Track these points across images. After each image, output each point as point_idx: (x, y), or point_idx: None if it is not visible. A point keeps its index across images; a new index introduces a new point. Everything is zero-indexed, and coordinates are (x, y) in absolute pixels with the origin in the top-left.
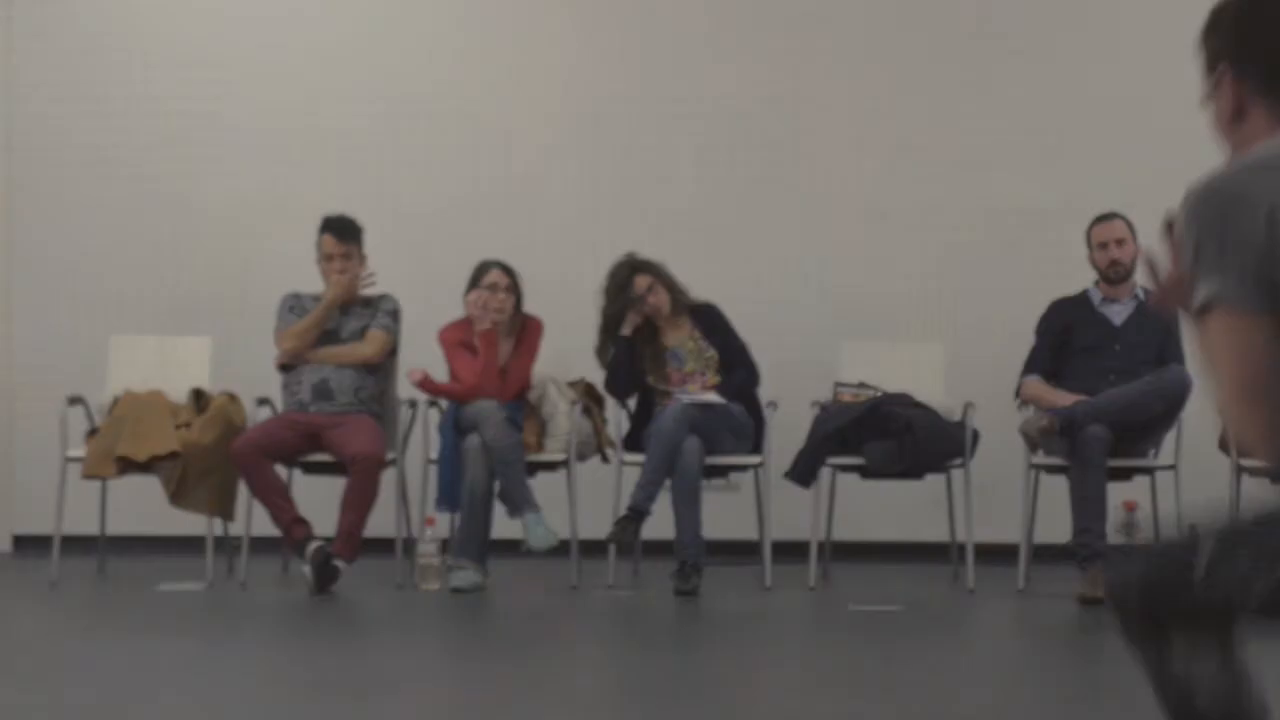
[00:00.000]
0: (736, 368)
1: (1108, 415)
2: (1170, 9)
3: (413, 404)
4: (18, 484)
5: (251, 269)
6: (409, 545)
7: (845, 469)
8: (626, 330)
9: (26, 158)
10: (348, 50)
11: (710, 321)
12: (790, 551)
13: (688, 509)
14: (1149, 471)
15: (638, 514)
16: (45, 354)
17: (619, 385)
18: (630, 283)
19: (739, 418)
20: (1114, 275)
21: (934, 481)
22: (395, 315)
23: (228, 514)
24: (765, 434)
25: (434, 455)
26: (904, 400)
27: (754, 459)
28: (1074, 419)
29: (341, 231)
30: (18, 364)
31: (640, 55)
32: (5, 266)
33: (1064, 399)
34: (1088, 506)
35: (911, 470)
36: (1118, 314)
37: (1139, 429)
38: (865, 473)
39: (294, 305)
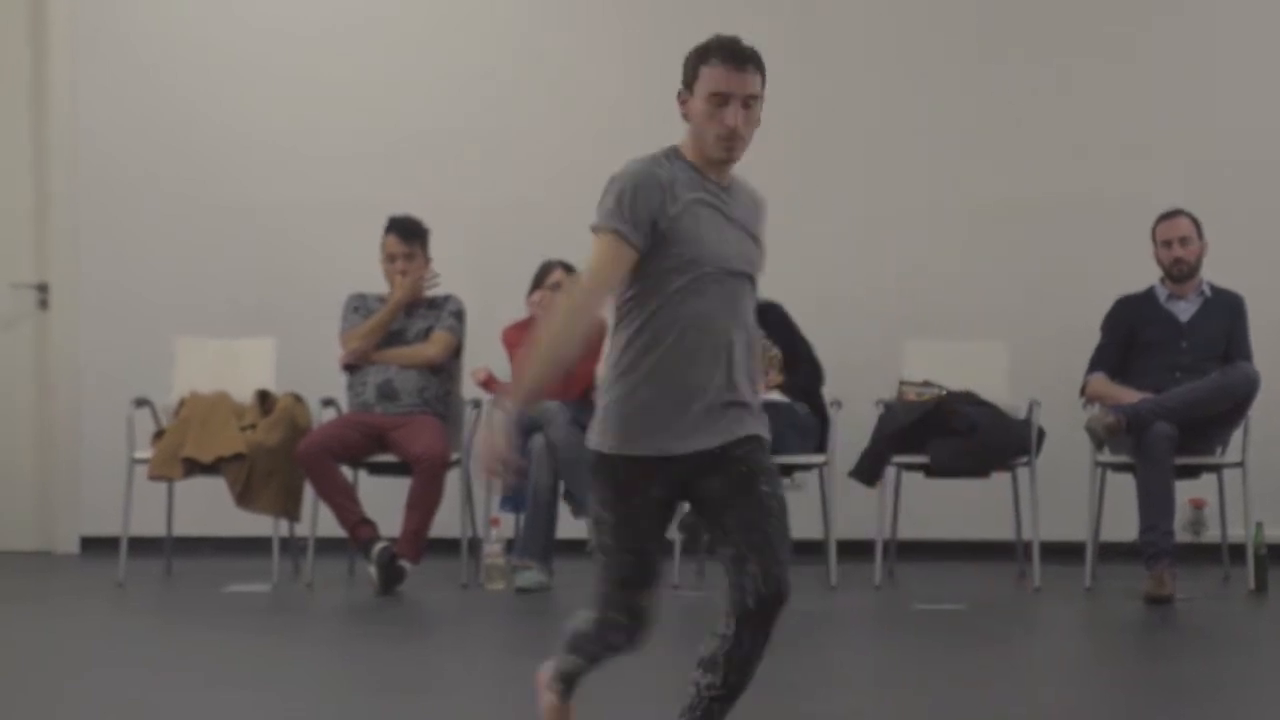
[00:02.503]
0: (801, 366)
1: (1174, 413)
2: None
3: (477, 404)
4: (85, 486)
5: (316, 271)
6: (474, 545)
7: (910, 468)
8: None
9: (92, 165)
10: (413, 56)
11: (774, 320)
12: (855, 550)
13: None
14: (1216, 469)
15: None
16: (111, 357)
17: None
18: None
19: (803, 417)
20: (1178, 273)
21: (999, 480)
22: (460, 316)
23: (293, 515)
24: (830, 433)
25: None
26: (969, 398)
27: (819, 458)
28: (1140, 416)
29: (406, 232)
30: (84, 367)
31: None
32: (72, 271)
33: (1129, 396)
34: (1155, 504)
35: (977, 468)
36: (1184, 310)
37: (1206, 426)
38: (930, 471)
39: (359, 306)
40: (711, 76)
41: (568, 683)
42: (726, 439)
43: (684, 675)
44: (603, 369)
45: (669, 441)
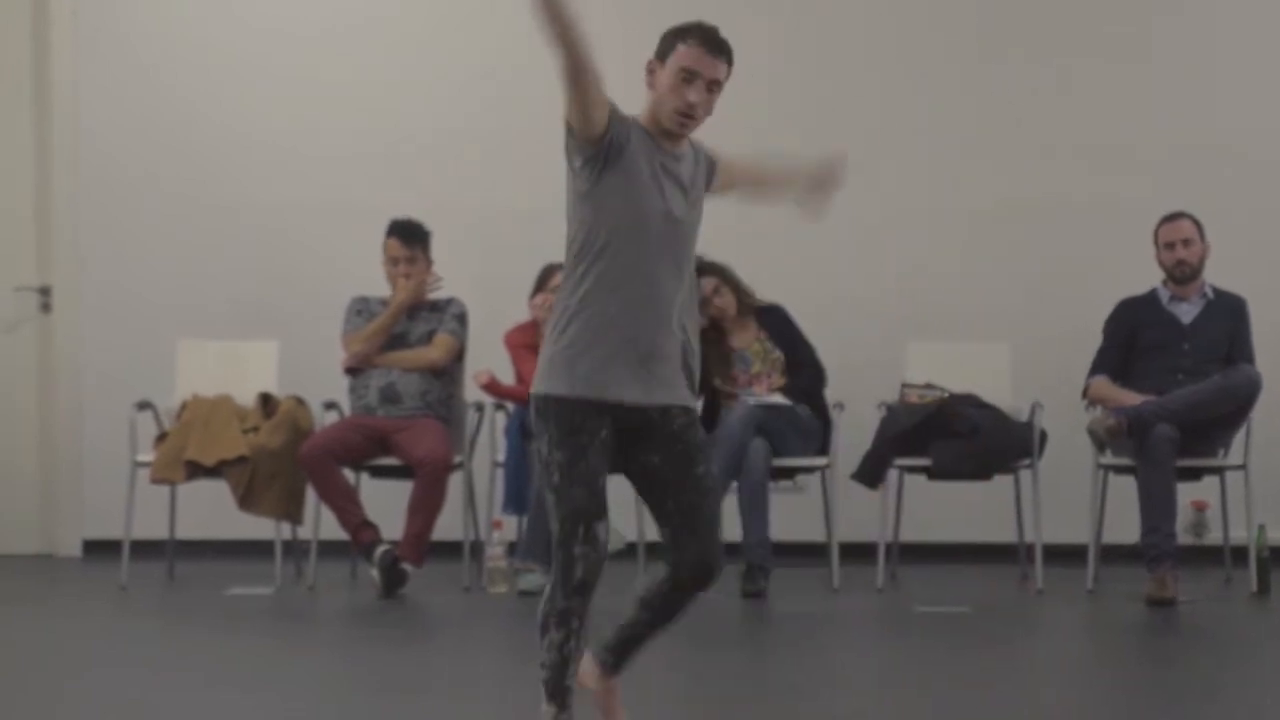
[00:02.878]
0: (803, 369)
1: (1176, 415)
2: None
3: (479, 407)
4: (87, 489)
5: (318, 272)
6: (476, 549)
7: (912, 470)
8: None
9: (94, 167)
10: (414, 56)
11: (776, 323)
12: (858, 553)
13: (755, 511)
14: (1219, 471)
15: None
16: (113, 359)
17: None
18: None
19: (806, 419)
20: (1180, 275)
21: (1001, 482)
22: (462, 319)
23: (296, 518)
24: (832, 435)
25: (501, 458)
26: (971, 401)
27: (821, 460)
28: (1142, 419)
29: (407, 235)
30: (86, 370)
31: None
32: (74, 274)
33: (1131, 399)
34: (1156, 506)
35: (979, 471)
36: (1186, 313)
37: (1208, 428)
38: (932, 474)
39: (361, 309)
40: (686, 54)
41: (557, 696)
42: (665, 401)
43: (695, 674)
44: (551, 316)
45: (612, 388)
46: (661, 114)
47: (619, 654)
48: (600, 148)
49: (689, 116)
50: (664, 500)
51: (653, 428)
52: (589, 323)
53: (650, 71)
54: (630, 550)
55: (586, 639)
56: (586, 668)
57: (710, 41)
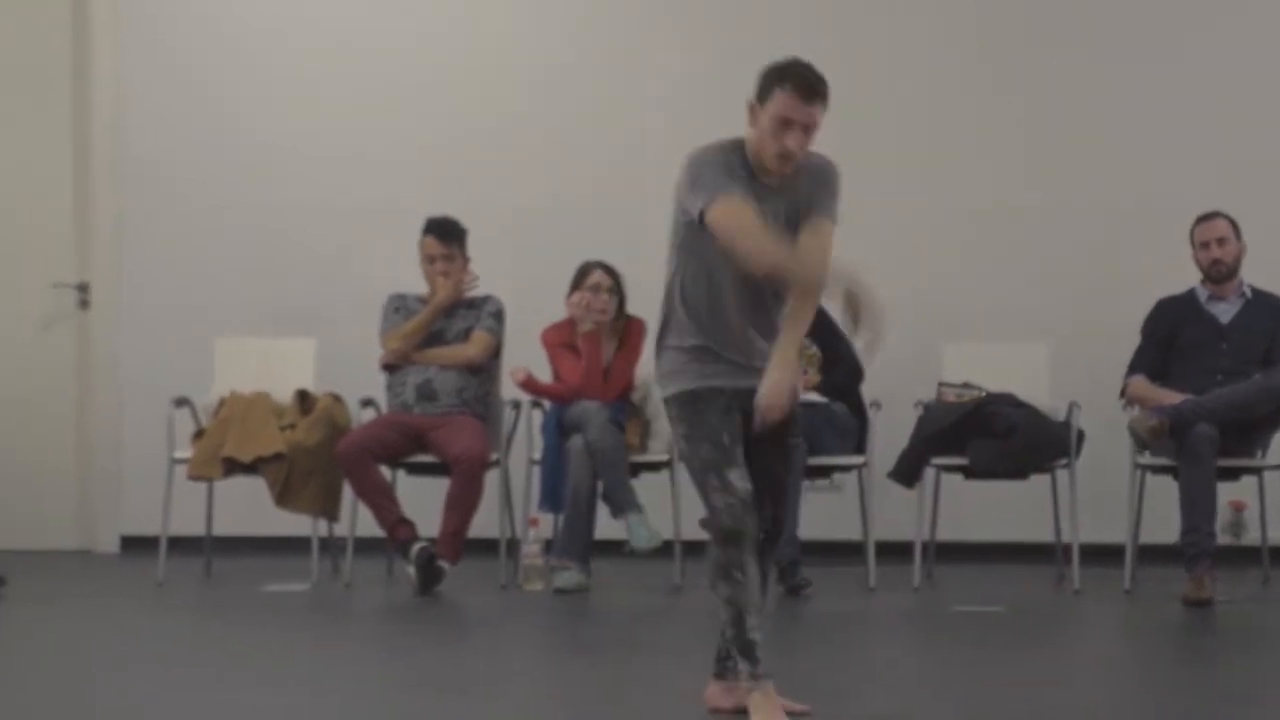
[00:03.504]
0: (839, 365)
1: (1215, 414)
2: None
3: (516, 405)
4: (125, 485)
5: (356, 271)
6: (512, 546)
7: (949, 469)
8: None
9: (133, 166)
10: (453, 59)
11: (817, 321)
12: (894, 552)
13: (788, 509)
14: (1257, 471)
15: None
16: (152, 356)
17: None
18: None
19: (842, 417)
20: (1215, 274)
21: (1038, 481)
22: (499, 316)
23: (333, 515)
24: (869, 434)
25: (537, 456)
26: (1008, 400)
27: (857, 459)
28: (1182, 418)
29: (444, 233)
30: (125, 366)
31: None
32: (113, 271)
33: (1170, 398)
34: (1197, 506)
35: (1016, 470)
36: (1224, 312)
37: (1247, 428)
38: (969, 473)
39: (399, 306)
40: (783, 101)
41: (746, 653)
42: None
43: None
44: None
45: (710, 380)
46: (763, 155)
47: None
48: None
49: (789, 162)
50: (753, 456)
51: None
52: (674, 331)
53: (750, 110)
54: (667, 548)
55: (759, 592)
56: (713, 691)
57: (805, 89)
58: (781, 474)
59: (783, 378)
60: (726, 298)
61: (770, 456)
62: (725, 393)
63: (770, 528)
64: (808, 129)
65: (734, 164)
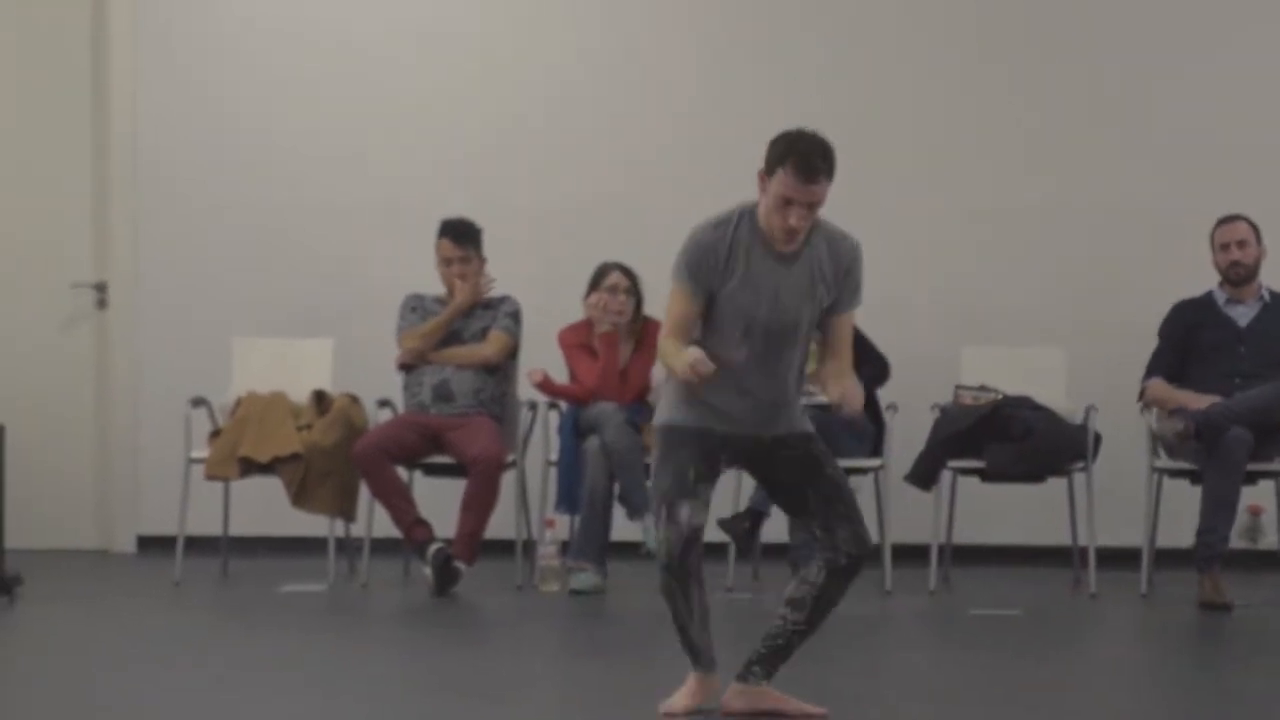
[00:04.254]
0: (862, 365)
1: (1241, 418)
2: None
3: (533, 406)
4: (142, 485)
5: (373, 272)
6: (529, 547)
7: (966, 472)
8: None
9: (151, 166)
10: (469, 61)
11: None
12: (910, 555)
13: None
14: (1275, 476)
15: (756, 515)
16: (169, 356)
17: None
18: None
19: (858, 420)
20: (1234, 277)
21: (1055, 485)
22: (516, 317)
23: (349, 515)
24: (885, 437)
25: (554, 457)
26: (1025, 403)
27: (874, 462)
28: (1212, 422)
29: (459, 235)
30: (143, 366)
31: (755, 64)
32: (131, 271)
33: (1190, 400)
34: (1219, 509)
35: (1033, 473)
36: (1243, 315)
37: (1269, 432)
38: (986, 476)
39: (415, 306)
40: (785, 182)
41: (690, 653)
42: (773, 432)
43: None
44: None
45: (701, 422)
46: (770, 228)
47: (770, 664)
48: (707, 299)
49: (793, 237)
50: (805, 503)
51: (769, 452)
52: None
53: (760, 178)
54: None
55: (700, 610)
56: (731, 692)
57: (807, 170)
58: (837, 493)
59: (850, 382)
60: (739, 366)
61: (815, 488)
62: (716, 435)
63: (852, 544)
64: (811, 206)
65: (725, 245)
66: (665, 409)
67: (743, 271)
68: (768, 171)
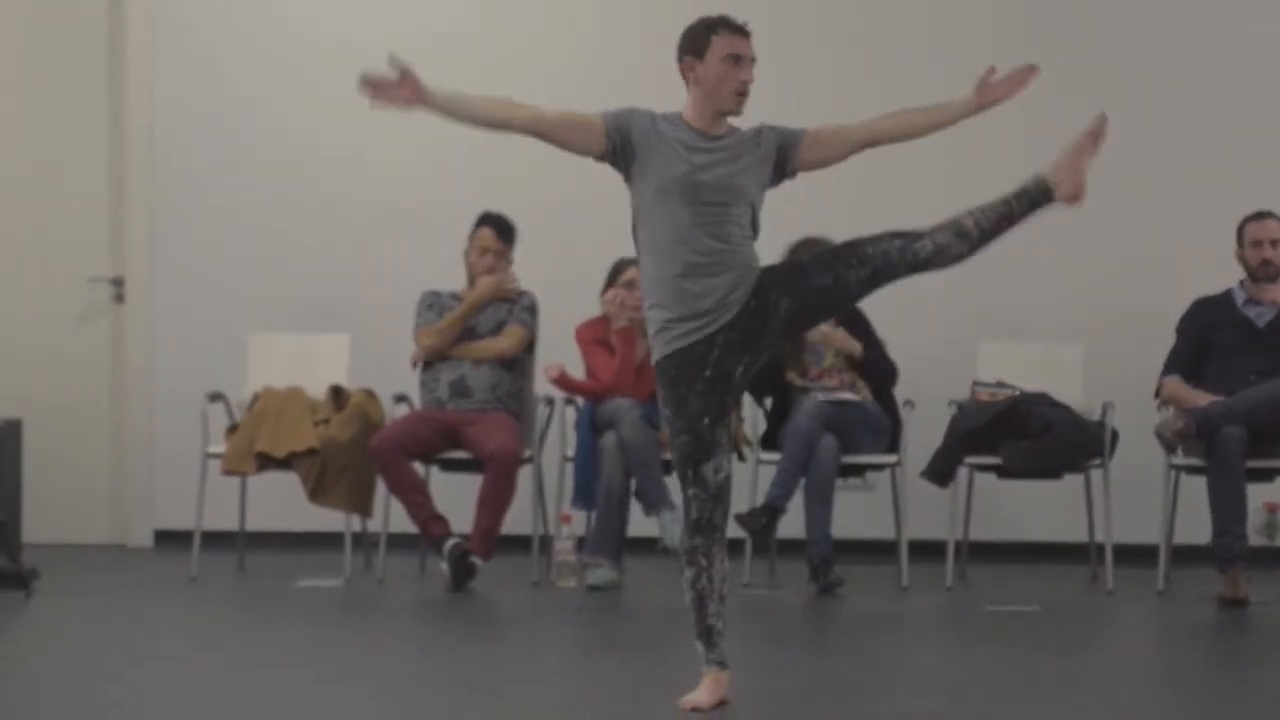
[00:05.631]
0: (869, 368)
1: (1242, 415)
2: None
3: (549, 402)
4: (159, 480)
5: (390, 267)
6: (545, 543)
7: (983, 469)
8: None
9: (169, 161)
10: (484, 57)
11: (851, 318)
12: (927, 551)
13: (820, 508)
14: None
15: (773, 511)
16: (186, 351)
17: (758, 386)
18: None
19: (875, 416)
20: (1264, 274)
21: (1072, 481)
22: (533, 311)
23: (366, 510)
24: (902, 433)
25: (570, 453)
26: (1043, 400)
27: (890, 458)
28: (1209, 420)
29: (501, 228)
30: (160, 361)
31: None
32: (148, 266)
33: (1203, 399)
34: (1226, 508)
35: (1050, 470)
36: (1261, 315)
37: (1277, 430)
38: (1003, 472)
39: (432, 303)
40: (729, 41)
41: (701, 636)
42: (742, 300)
43: (763, 672)
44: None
45: (691, 337)
46: (719, 99)
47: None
48: (610, 158)
49: (746, 93)
50: (819, 299)
51: (754, 314)
52: (652, 290)
53: (690, 69)
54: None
55: (721, 578)
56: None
57: (740, 27)
58: (868, 243)
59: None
60: (682, 245)
61: (840, 271)
62: (704, 342)
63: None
64: (753, 60)
65: (638, 124)
66: (655, 340)
67: (665, 149)
68: (695, 53)
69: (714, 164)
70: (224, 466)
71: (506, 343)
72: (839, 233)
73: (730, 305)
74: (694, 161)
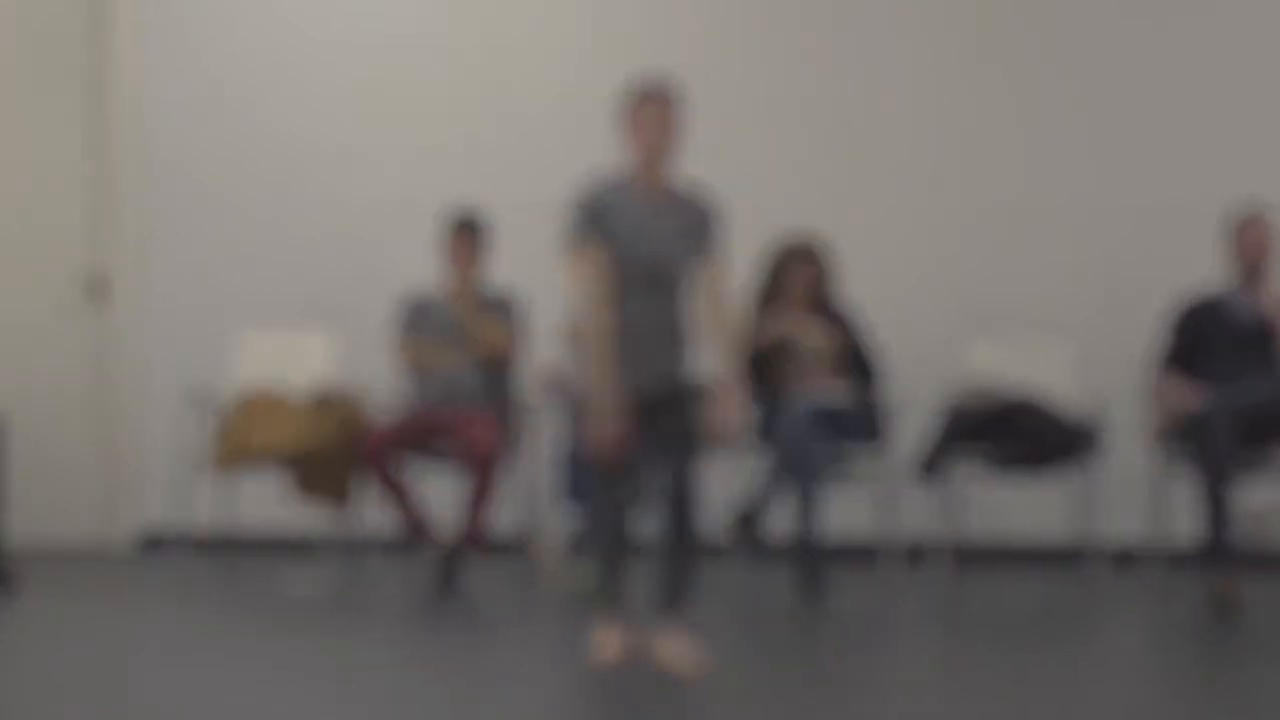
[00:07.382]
0: (862, 367)
1: (1239, 414)
2: None
3: (538, 401)
4: (145, 480)
5: (378, 267)
6: (535, 542)
7: (974, 466)
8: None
9: (157, 159)
10: (475, 57)
11: (840, 316)
12: (918, 553)
13: (807, 509)
14: None
15: (751, 520)
16: (173, 350)
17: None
18: (796, 271)
19: (864, 415)
20: (1255, 273)
21: (1065, 482)
22: (520, 312)
23: (351, 509)
24: (892, 431)
25: (559, 453)
26: (1035, 397)
27: (880, 458)
28: (1194, 420)
29: (469, 229)
30: (146, 360)
31: (761, 57)
32: (134, 264)
33: (1196, 396)
34: (1216, 509)
35: (1040, 464)
36: (1252, 314)
37: (1270, 427)
38: (994, 470)
39: (417, 319)
40: (642, 111)
41: (609, 598)
42: (664, 385)
43: (753, 674)
44: None
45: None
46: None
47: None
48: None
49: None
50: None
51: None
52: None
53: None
54: None
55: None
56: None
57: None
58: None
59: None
60: (630, 313)
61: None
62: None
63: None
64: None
65: (610, 200)
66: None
67: (622, 221)
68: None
69: (661, 235)
70: (210, 466)
71: (493, 338)
72: (823, 223)
73: (660, 368)
74: (646, 238)
